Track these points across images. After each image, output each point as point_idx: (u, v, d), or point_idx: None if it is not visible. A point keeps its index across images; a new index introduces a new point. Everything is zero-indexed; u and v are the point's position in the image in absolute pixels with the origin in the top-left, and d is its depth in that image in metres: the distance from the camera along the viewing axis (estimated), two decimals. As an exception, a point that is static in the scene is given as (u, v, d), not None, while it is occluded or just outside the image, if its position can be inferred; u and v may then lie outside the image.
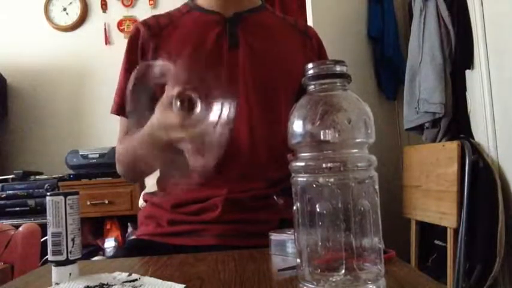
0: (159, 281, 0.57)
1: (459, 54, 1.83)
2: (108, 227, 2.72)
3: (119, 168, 0.99)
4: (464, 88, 1.87)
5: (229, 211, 0.87)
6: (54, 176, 2.78)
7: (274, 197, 0.88)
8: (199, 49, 0.92)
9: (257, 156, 0.91)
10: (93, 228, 2.73)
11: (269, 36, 0.98)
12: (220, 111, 0.69)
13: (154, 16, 1.00)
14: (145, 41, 0.94)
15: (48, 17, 3.19)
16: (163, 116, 0.73)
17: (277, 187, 0.90)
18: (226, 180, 0.89)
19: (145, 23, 0.97)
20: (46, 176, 2.81)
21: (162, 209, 0.93)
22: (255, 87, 0.92)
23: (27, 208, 2.62)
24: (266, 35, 0.98)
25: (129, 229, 2.69)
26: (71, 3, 3.20)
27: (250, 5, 0.99)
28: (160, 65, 0.74)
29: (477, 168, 1.66)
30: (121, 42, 3.16)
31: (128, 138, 0.92)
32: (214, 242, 0.84)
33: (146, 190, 1.51)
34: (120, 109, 0.96)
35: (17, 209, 2.63)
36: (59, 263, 0.59)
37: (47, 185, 2.64)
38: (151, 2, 3.19)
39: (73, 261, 0.60)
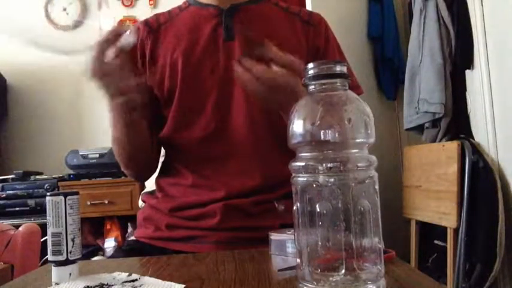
0: (159, 281, 0.57)
1: (459, 54, 1.84)
2: (108, 227, 2.72)
3: (122, 168, 1.00)
4: (464, 88, 1.87)
5: (229, 218, 0.86)
6: (54, 176, 2.78)
7: (275, 203, 0.87)
8: (195, 42, 0.92)
9: (257, 149, 0.89)
10: (93, 228, 2.73)
11: (267, 28, 0.95)
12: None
13: (155, 14, 1.01)
14: (144, 38, 0.96)
15: (48, 17, 3.19)
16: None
17: (278, 191, 0.89)
18: (225, 178, 0.89)
19: (145, 21, 1.00)
20: (46, 176, 2.81)
21: (160, 212, 0.93)
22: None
23: (27, 208, 2.63)
24: (264, 26, 0.95)
25: (129, 229, 2.69)
26: (70, 3, 3.20)
27: None
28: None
29: (477, 168, 1.66)
30: (121, 42, 3.15)
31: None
32: (213, 249, 0.83)
33: (145, 190, 1.51)
34: None
35: (17, 209, 2.63)
36: (59, 263, 0.59)
37: (47, 185, 2.64)
38: (151, 2, 3.20)
39: (73, 261, 0.60)
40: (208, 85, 0.91)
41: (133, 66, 0.81)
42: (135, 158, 0.96)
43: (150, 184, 1.42)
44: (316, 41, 0.97)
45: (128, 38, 0.74)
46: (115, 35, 0.74)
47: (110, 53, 0.75)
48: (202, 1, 0.98)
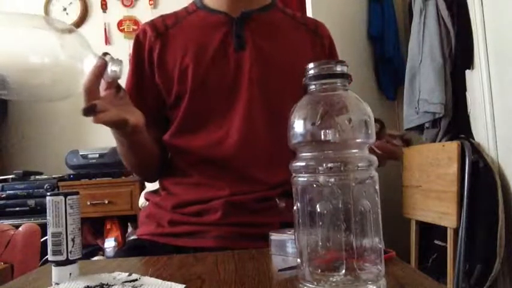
0: (159, 281, 0.57)
1: (459, 54, 1.83)
2: (108, 227, 2.72)
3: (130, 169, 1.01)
4: (464, 88, 1.87)
5: (230, 214, 0.86)
6: (54, 176, 2.78)
7: (276, 200, 0.88)
8: (205, 49, 0.92)
9: (257, 159, 0.91)
10: (93, 228, 2.73)
11: (277, 37, 0.96)
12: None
13: (161, 16, 1.00)
14: (152, 42, 0.95)
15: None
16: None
17: (279, 189, 0.90)
18: (228, 181, 0.89)
19: (152, 23, 0.98)
20: (46, 176, 2.81)
21: (162, 209, 0.93)
22: (260, 89, 0.91)
23: (27, 208, 2.62)
24: (274, 35, 0.96)
25: (129, 229, 2.69)
26: (71, 3, 3.20)
27: (259, 4, 0.98)
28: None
29: (477, 168, 1.66)
30: (121, 42, 3.16)
31: None
32: (214, 244, 0.83)
33: (147, 190, 1.51)
34: None
35: (17, 209, 2.63)
36: (59, 263, 0.59)
37: (47, 185, 2.64)
38: (151, 2, 3.19)
39: (73, 261, 0.60)
40: (216, 93, 0.91)
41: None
42: (143, 167, 0.98)
43: (150, 185, 1.42)
44: (321, 55, 0.99)
45: (113, 67, 0.71)
46: (99, 70, 0.71)
47: (101, 89, 0.72)
48: (212, 6, 0.97)
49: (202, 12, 0.97)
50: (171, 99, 0.93)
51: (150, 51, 0.95)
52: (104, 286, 0.56)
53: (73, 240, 0.59)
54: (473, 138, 1.81)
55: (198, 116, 0.92)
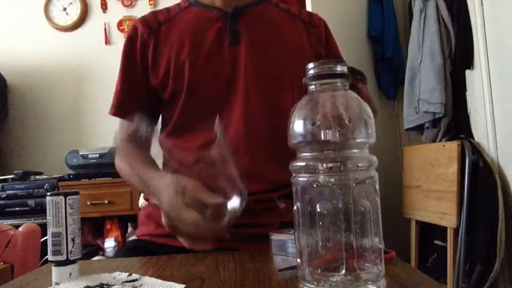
0: (159, 281, 0.57)
1: (459, 54, 1.84)
2: (108, 227, 2.72)
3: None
4: (464, 88, 1.87)
5: None
6: (54, 176, 2.77)
7: (276, 200, 0.88)
8: (200, 46, 0.91)
9: (256, 156, 0.90)
10: (93, 228, 2.73)
11: (272, 31, 0.96)
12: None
13: (153, 12, 0.99)
14: (145, 40, 0.94)
15: (48, 17, 3.19)
16: (184, 211, 0.71)
17: (279, 191, 0.89)
18: None
19: (143, 20, 0.97)
20: (46, 176, 2.81)
21: None
22: (256, 84, 0.90)
23: (27, 208, 2.62)
24: (268, 29, 0.96)
25: (129, 229, 2.69)
26: (71, 3, 3.20)
27: None
28: None
29: (477, 168, 1.66)
30: (121, 42, 3.13)
31: (130, 166, 0.94)
32: (214, 245, 0.83)
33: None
34: (117, 111, 0.97)
35: (17, 209, 2.63)
36: (59, 263, 0.59)
37: (47, 185, 2.64)
38: (151, 2, 3.19)
39: (73, 261, 0.60)
40: (213, 90, 0.91)
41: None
42: None
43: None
44: (318, 46, 0.98)
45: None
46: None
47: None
48: (204, 2, 0.97)
49: (195, 8, 0.97)
50: (167, 97, 0.93)
51: (143, 48, 0.94)
52: (104, 286, 0.56)
53: (73, 240, 0.59)
54: (473, 138, 1.81)
55: (195, 114, 0.91)
